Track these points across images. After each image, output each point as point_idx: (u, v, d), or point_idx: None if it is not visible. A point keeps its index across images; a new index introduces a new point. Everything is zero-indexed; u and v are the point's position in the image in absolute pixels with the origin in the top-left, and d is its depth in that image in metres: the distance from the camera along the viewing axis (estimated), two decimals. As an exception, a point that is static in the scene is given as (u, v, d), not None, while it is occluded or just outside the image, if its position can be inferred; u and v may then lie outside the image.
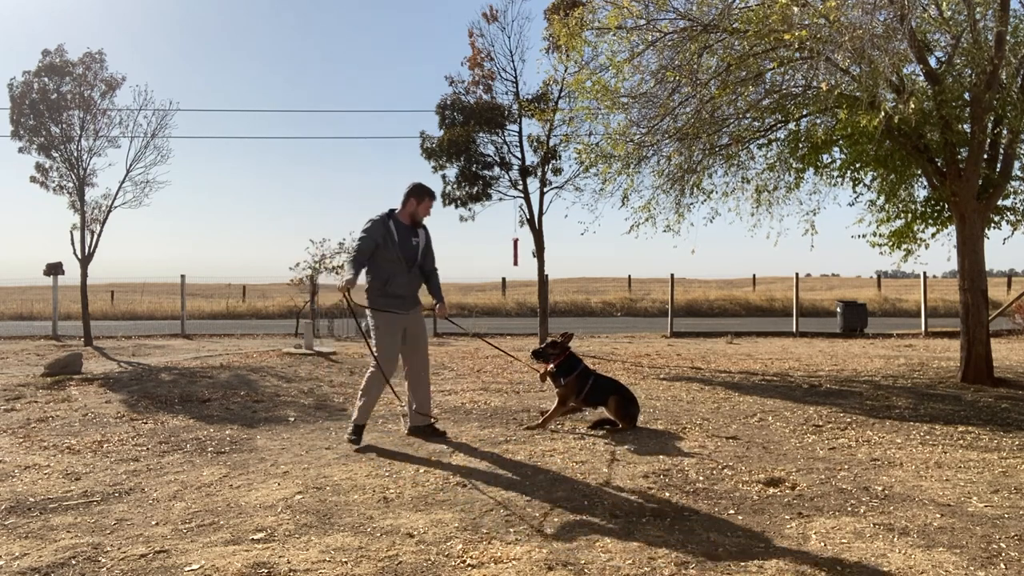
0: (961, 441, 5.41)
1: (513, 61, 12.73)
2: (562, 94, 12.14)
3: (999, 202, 8.79)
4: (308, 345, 11.85)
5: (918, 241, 9.76)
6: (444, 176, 13.32)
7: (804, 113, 8.74)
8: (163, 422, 6.33)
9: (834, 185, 9.85)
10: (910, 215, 9.62)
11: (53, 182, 13.19)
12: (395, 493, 4.07)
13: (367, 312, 5.37)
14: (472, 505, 3.85)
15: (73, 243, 13.07)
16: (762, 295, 28.72)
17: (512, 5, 14.82)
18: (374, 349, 5.35)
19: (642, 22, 7.55)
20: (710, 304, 27.07)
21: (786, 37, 6.50)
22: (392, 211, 5.41)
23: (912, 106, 6.40)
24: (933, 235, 9.69)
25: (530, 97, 12.80)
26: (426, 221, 5.58)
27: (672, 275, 18.01)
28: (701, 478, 4.36)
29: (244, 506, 3.91)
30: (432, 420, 5.66)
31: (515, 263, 13.66)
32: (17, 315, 25.34)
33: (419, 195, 5.43)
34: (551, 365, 5.79)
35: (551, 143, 12.79)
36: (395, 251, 5.26)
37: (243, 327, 19.83)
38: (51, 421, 6.36)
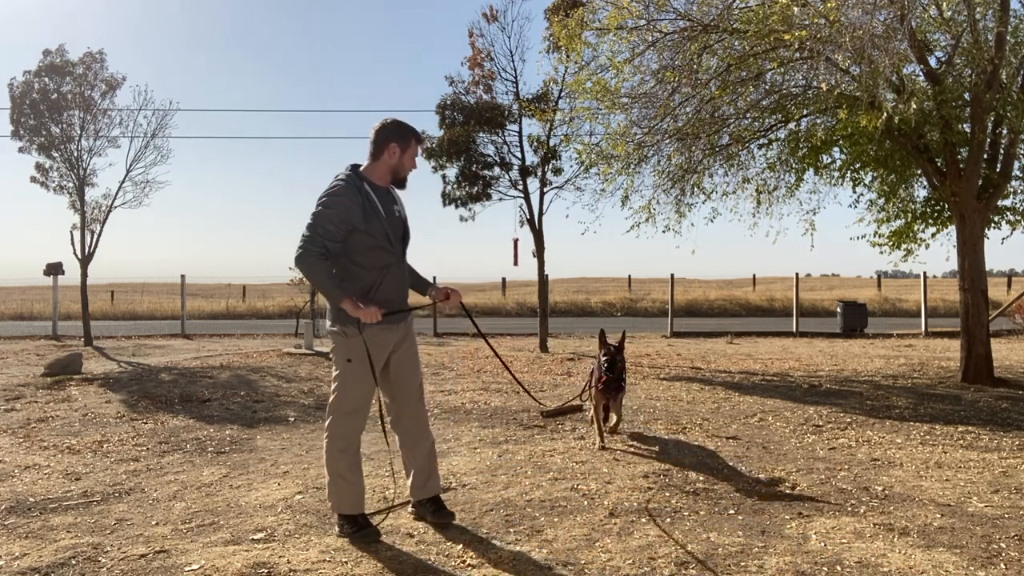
0: (961, 441, 5.41)
1: (513, 61, 12.73)
2: (562, 94, 12.13)
3: (999, 202, 8.79)
4: (308, 345, 11.85)
5: (918, 241, 9.76)
6: (444, 176, 13.32)
7: (804, 113, 8.74)
8: (163, 422, 6.33)
9: (834, 185, 9.88)
10: (910, 215, 9.62)
11: (53, 182, 13.21)
12: (395, 493, 4.07)
13: (334, 336, 3.37)
14: (472, 505, 3.85)
15: (73, 243, 13.10)
16: (762, 295, 28.71)
17: (512, 5, 14.80)
18: (333, 396, 3.40)
19: (642, 22, 7.55)
20: (710, 304, 27.05)
21: (786, 37, 6.51)
22: (356, 167, 3.43)
23: (912, 106, 6.39)
24: (933, 235, 9.69)
25: (530, 97, 12.79)
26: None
27: (672, 275, 18.01)
28: (701, 478, 4.36)
29: (244, 506, 3.91)
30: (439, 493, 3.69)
31: (515, 263, 13.67)
32: (17, 315, 25.32)
33: (402, 138, 3.44)
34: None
35: (551, 143, 12.78)
36: (381, 230, 3.33)
37: (243, 327, 19.82)
38: (51, 421, 6.36)
